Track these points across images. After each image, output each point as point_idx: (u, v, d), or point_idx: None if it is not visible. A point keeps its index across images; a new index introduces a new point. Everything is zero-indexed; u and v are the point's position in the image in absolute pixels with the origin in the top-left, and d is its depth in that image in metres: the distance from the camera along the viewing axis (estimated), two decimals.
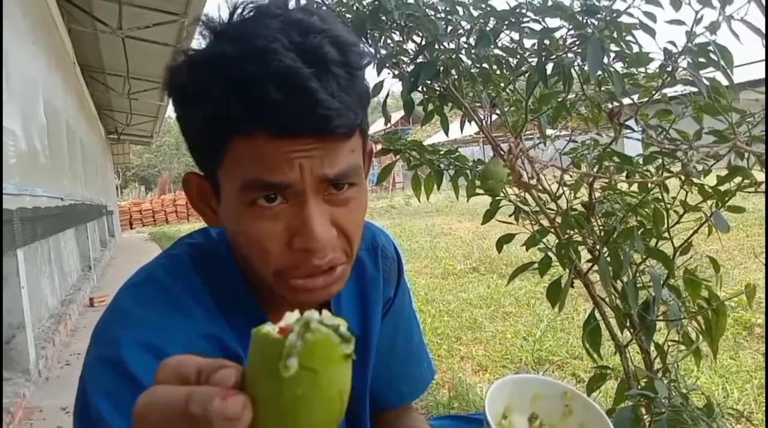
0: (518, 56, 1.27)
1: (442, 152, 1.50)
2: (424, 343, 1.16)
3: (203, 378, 0.41)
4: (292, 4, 0.71)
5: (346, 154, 0.70)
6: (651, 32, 1.13)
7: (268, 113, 0.64)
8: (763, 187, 1.15)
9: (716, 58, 1.08)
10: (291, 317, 0.40)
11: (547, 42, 1.18)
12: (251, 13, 0.68)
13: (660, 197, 1.28)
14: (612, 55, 1.15)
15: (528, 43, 1.24)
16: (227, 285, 0.81)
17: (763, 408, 2.46)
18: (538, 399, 0.86)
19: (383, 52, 1.36)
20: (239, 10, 0.69)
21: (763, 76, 2.04)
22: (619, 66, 1.18)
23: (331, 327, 0.38)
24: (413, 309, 1.13)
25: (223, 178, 0.71)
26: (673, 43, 1.12)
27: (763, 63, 1.14)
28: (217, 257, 0.82)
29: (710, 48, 1.08)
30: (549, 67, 1.18)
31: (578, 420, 0.84)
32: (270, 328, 0.39)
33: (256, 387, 0.39)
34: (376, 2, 1.28)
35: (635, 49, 1.16)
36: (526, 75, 1.27)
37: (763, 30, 1.04)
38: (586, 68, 1.16)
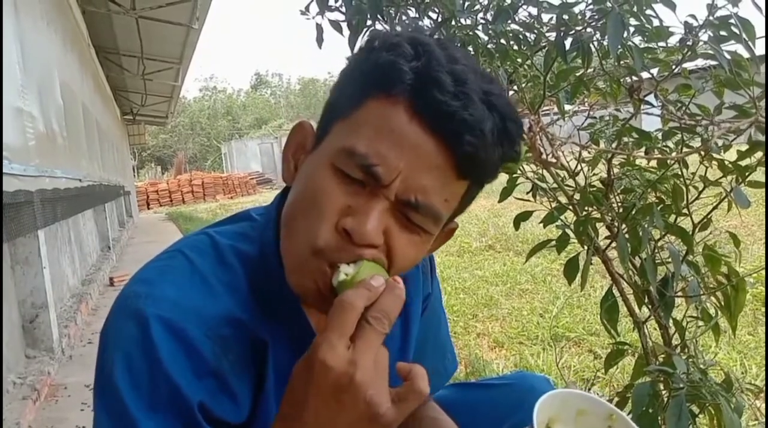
0: (536, 31, 1.26)
1: None
2: (449, 335, 1.16)
3: None
4: None
5: (442, 196, 0.72)
6: (671, 5, 1.11)
7: (428, 86, 0.67)
8: None
9: (738, 31, 1.07)
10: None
11: (565, 17, 1.16)
12: None
13: (679, 173, 1.27)
14: (631, 29, 1.14)
15: (546, 17, 1.23)
16: (267, 272, 0.79)
17: None
18: (582, 415, 0.87)
19: (399, 29, 1.35)
20: None
21: None
22: (638, 40, 1.17)
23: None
24: (442, 301, 1.13)
25: (335, 130, 0.73)
26: (693, 16, 1.10)
27: None
28: (261, 244, 0.81)
29: (732, 21, 1.07)
30: (567, 42, 1.17)
31: None
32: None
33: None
34: None
35: (655, 22, 1.15)
36: (544, 50, 1.26)
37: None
38: (605, 43, 1.14)
